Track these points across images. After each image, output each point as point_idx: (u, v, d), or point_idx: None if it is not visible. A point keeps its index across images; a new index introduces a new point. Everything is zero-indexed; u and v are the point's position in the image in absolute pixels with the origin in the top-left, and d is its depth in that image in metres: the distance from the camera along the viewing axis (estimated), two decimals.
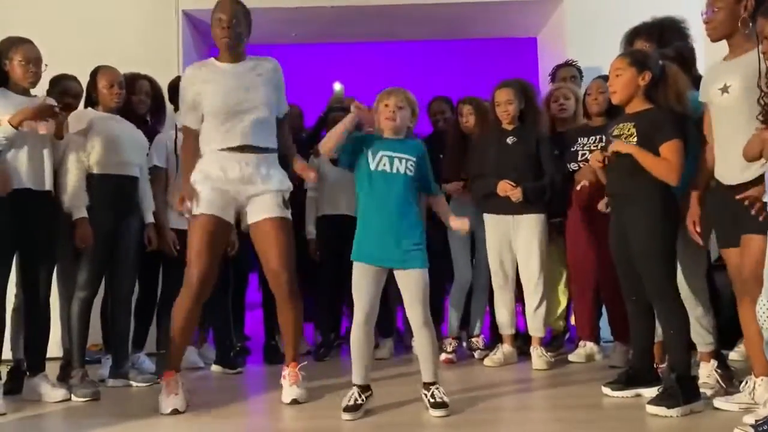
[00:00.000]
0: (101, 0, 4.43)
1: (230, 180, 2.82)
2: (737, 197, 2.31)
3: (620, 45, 3.24)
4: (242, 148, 2.83)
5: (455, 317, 3.82)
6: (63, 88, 3.40)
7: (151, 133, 3.58)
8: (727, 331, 2.94)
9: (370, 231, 2.65)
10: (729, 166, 2.42)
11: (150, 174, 3.47)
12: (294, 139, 4.32)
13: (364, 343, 2.65)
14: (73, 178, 3.11)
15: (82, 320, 3.15)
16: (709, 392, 2.65)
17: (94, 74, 3.29)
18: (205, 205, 2.79)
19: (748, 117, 2.30)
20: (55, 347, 3.30)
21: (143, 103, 3.62)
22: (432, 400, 2.60)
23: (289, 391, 2.88)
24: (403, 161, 2.64)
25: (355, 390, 2.64)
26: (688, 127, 2.67)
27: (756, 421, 2.16)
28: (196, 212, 2.79)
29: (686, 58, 2.91)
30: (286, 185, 2.95)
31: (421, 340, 2.68)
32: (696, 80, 2.72)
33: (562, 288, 3.90)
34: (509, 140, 3.54)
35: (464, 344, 3.93)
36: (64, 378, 3.17)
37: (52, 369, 3.18)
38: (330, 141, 2.65)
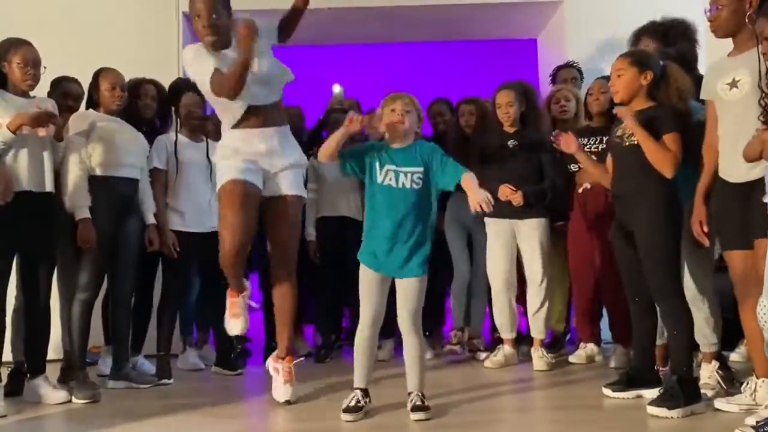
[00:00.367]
0: (102, 2, 4.43)
1: (259, 153, 2.83)
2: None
3: (627, 43, 3.25)
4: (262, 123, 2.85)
5: (458, 310, 3.82)
6: (64, 89, 3.40)
7: (155, 136, 3.58)
8: (728, 333, 2.93)
9: (374, 239, 2.64)
10: (736, 163, 2.39)
11: (150, 176, 3.47)
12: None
13: (368, 346, 2.65)
14: (74, 178, 3.11)
15: (82, 322, 3.15)
16: (709, 393, 2.65)
17: (96, 76, 3.29)
18: (236, 173, 2.78)
19: (758, 112, 2.28)
20: (55, 349, 3.30)
21: (149, 107, 3.62)
22: (411, 404, 2.59)
23: (283, 390, 2.85)
24: (409, 175, 2.61)
25: (357, 392, 2.64)
26: (690, 127, 2.67)
27: (757, 422, 2.16)
28: (225, 181, 2.78)
29: (688, 60, 2.92)
30: (304, 159, 3.04)
31: (407, 348, 2.66)
32: (697, 81, 2.71)
33: (562, 290, 3.90)
34: (511, 143, 3.54)
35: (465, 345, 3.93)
36: (64, 380, 3.17)
37: (53, 371, 3.18)
38: (326, 151, 2.65)
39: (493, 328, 3.86)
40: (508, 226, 3.54)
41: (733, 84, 2.43)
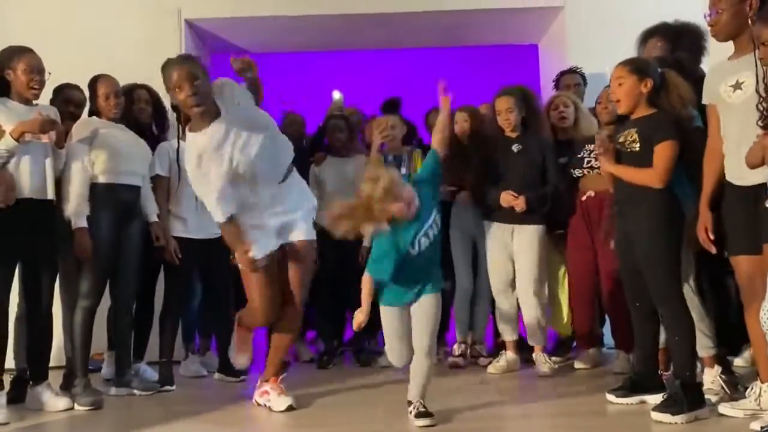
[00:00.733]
0: (105, 10, 4.45)
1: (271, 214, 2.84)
2: None
3: (635, 43, 3.25)
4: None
5: (462, 322, 3.80)
6: (66, 96, 3.41)
7: (156, 142, 3.59)
8: (733, 338, 2.92)
9: (396, 289, 2.60)
10: (742, 166, 2.36)
11: (152, 182, 3.47)
12: (295, 146, 4.36)
13: (416, 367, 2.61)
14: (76, 186, 3.11)
15: (85, 329, 3.14)
16: (713, 398, 2.63)
17: (93, 83, 3.30)
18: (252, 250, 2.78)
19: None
20: (58, 356, 3.30)
21: (144, 111, 3.62)
22: (415, 410, 2.56)
23: (280, 400, 2.87)
24: (424, 235, 2.55)
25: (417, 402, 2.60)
26: (691, 132, 2.67)
27: (762, 427, 2.15)
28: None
29: (684, 67, 2.92)
30: (312, 202, 2.99)
31: (416, 366, 2.61)
32: (699, 86, 2.72)
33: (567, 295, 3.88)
34: (515, 148, 3.54)
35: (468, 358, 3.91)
36: (67, 387, 3.17)
37: (56, 378, 3.18)
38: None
39: (496, 334, 3.85)
40: (507, 230, 3.54)
41: (737, 86, 2.42)
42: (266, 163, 2.74)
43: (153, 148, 3.49)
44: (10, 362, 3.04)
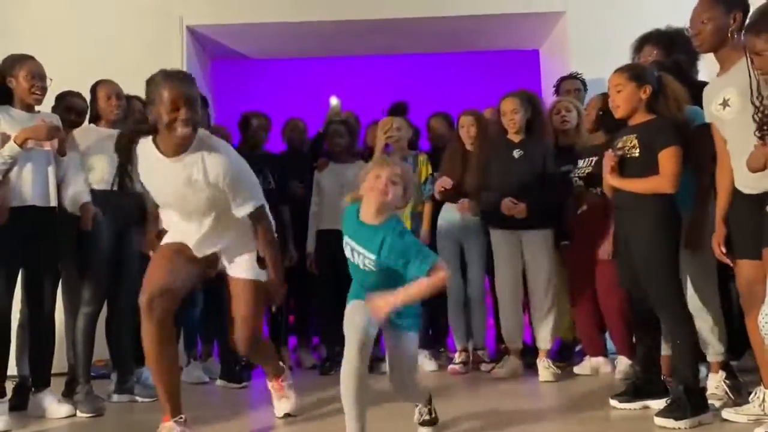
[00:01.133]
0: (106, 17, 4.47)
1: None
2: None
3: (630, 49, 3.26)
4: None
5: (459, 329, 3.79)
6: (67, 104, 3.42)
7: None
8: (736, 343, 2.92)
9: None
10: (746, 176, 2.38)
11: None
12: (296, 151, 4.39)
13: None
14: (73, 177, 3.12)
15: (87, 335, 3.15)
16: (717, 403, 2.63)
17: (94, 89, 3.32)
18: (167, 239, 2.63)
19: (753, 127, 2.29)
20: (60, 363, 3.30)
21: (138, 122, 3.63)
22: (421, 417, 2.53)
23: (279, 405, 2.88)
24: (361, 257, 2.28)
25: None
26: (689, 135, 2.68)
27: None
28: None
29: (682, 69, 2.93)
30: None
31: (399, 391, 2.46)
32: (693, 88, 2.74)
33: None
34: (516, 153, 3.53)
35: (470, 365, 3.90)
36: (69, 394, 3.17)
37: (58, 385, 3.18)
38: None
39: (499, 339, 3.84)
40: (513, 237, 3.53)
41: (725, 103, 2.44)
42: (214, 212, 2.51)
43: None
44: (12, 369, 3.04)
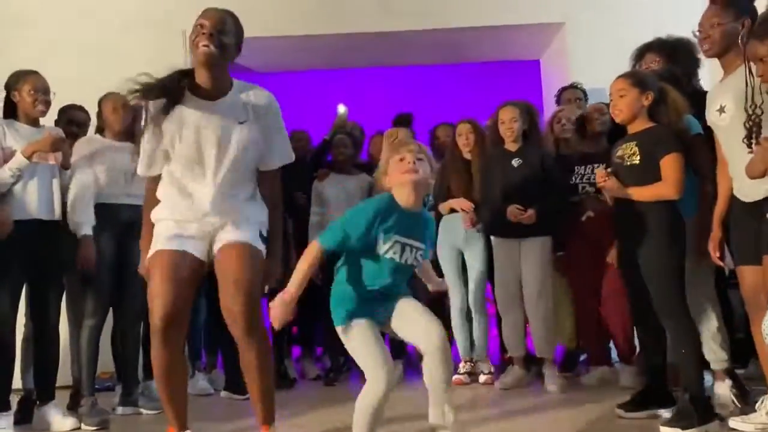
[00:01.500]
0: (111, 31, 4.51)
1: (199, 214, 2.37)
2: None
3: (630, 58, 3.28)
4: None
5: (463, 341, 3.78)
6: (69, 117, 3.46)
7: None
8: (742, 350, 2.91)
9: (360, 302, 2.19)
10: (744, 183, 2.39)
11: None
12: (300, 162, 4.39)
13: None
14: (75, 196, 3.13)
15: (90, 348, 3.15)
16: (724, 412, 2.61)
17: (100, 102, 3.35)
18: (161, 242, 2.34)
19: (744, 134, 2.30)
20: (64, 376, 3.30)
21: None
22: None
23: None
24: (414, 251, 2.19)
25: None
26: (687, 144, 2.69)
27: None
28: (149, 255, 2.35)
29: (679, 80, 2.95)
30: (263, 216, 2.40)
31: (433, 365, 2.19)
32: (693, 96, 2.77)
33: (571, 307, 3.86)
34: (515, 162, 3.54)
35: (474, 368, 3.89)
36: (73, 406, 3.17)
37: (63, 398, 3.18)
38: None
39: (503, 349, 3.83)
40: (513, 246, 3.53)
41: (721, 110, 2.46)
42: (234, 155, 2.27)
43: None
44: (17, 382, 3.05)
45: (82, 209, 3.14)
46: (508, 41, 5.05)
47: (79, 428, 2.99)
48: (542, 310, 3.49)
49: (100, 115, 3.35)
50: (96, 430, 2.97)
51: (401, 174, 2.17)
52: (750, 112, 2.24)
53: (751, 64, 2.25)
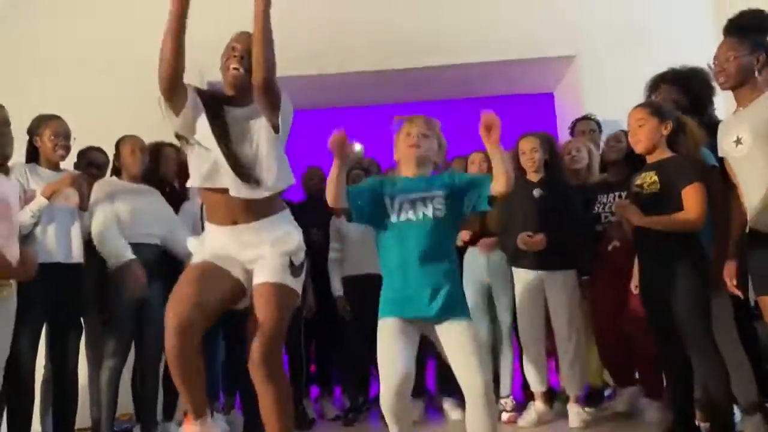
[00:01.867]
0: (129, 72, 4.61)
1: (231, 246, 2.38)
2: None
3: (644, 90, 3.29)
4: None
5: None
6: (89, 159, 3.53)
7: (177, 199, 3.65)
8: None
9: (397, 286, 2.26)
10: (758, 213, 2.38)
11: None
12: (315, 199, 4.42)
13: (402, 412, 2.18)
14: (100, 230, 3.16)
15: (110, 389, 3.15)
16: None
17: (118, 144, 3.41)
18: (199, 257, 2.36)
19: (762, 165, 2.30)
20: (84, 418, 3.29)
21: (170, 170, 3.70)
22: None
23: None
24: (429, 201, 2.23)
25: None
26: (708, 173, 2.68)
27: None
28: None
29: (685, 110, 2.95)
30: (295, 242, 2.38)
31: (475, 414, 2.13)
32: (708, 127, 2.76)
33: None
34: (536, 193, 3.53)
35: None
36: None
37: None
38: (329, 191, 2.25)
39: (525, 386, 3.76)
40: (536, 278, 3.48)
41: (738, 141, 2.46)
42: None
43: (172, 204, 3.54)
44: (36, 425, 3.04)
45: (112, 239, 3.16)
46: (521, 75, 5.08)
47: None
48: (574, 346, 3.42)
49: (117, 157, 3.41)
50: None
51: (405, 147, 2.28)
52: None
53: None
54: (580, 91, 4.69)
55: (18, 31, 4.74)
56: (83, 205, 3.12)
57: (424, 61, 4.74)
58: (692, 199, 2.58)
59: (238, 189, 2.24)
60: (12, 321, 2.65)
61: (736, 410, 2.68)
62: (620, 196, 3.35)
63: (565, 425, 3.36)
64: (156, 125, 4.15)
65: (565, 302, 3.43)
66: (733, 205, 2.58)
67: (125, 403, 3.55)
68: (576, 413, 3.35)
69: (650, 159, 2.75)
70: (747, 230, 2.49)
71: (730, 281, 2.54)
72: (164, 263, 3.38)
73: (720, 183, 2.68)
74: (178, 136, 2.39)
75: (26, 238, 2.95)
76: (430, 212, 2.24)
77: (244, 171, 2.24)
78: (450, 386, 3.70)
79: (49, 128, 3.08)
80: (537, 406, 3.49)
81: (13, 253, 2.51)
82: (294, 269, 2.28)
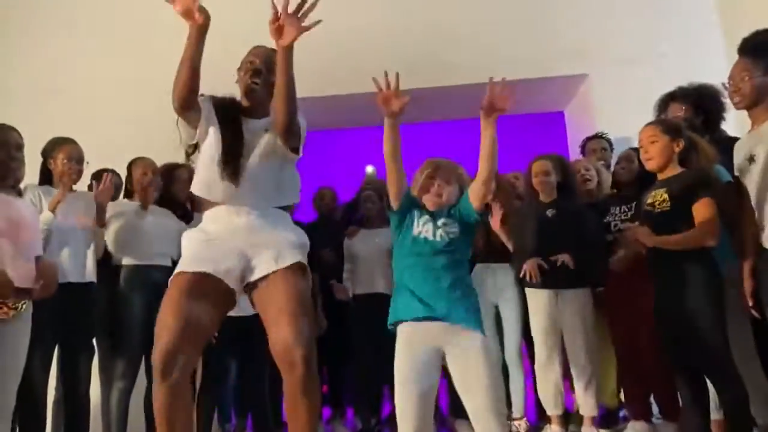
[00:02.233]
0: (142, 94, 4.68)
1: (233, 229, 2.31)
2: None
3: (654, 108, 3.28)
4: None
5: None
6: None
7: (189, 220, 3.67)
8: None
9: (410, 291, 2.30)
10: None
11: None
12: (326, 219, 4.43)
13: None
14: (115, 236, 3.24)
15: (120, 410, 3.15)
16: None
17: (130, 166, 3.44)
18: (185, 263, 2.27)
19: None
20: None
21: (182, 191, 3.73)
22: None
23: None
24: (443, 227, 2.36)
25: None
26: (721, 189, 2.66)
27: None
28: (172, 276, 2.26)
29: (695, 129, 2.94)
30: (303, 239, 2.37)
31: None
32: (719, 143, 2.76)
33: (614, 364, 3.74)
34: (549, 213, 3.52)
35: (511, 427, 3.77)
36: None
37: None
38: (385, 150, 2.47)
39: (539, 403, 3.71)
40: (550, 297, 3.45)
41: (751, 159, 2.45)
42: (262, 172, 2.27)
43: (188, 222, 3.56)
44: None
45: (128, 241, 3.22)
46: (532, 94, 5.08)
47: None
48: (590, 367, 3.38)
49: (129, 179, 3.44)
50: None
51: (426, 196, 2.43)
52: None
53: None
54: (591, 109, 4.69)
55: (31, 52, 4.83)
56: (100, 222, 3.15)
57: (435, 82, 4.76)
58: (704, 214, 2.56)
59: (235, 198, 2.24)
60: (25, 343, 2.65)
61: None
62: (630, 208, 3.33)
63: None
64: (168, 147, 4.23)
65: (579, 322, 3.39)
66: (747, 223, 2.55)
67: (140, 428, 3.54)
68: None
69: (661, 176, 2.74)
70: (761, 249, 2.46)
71: (749, 302, 2.50)
72: None
73: (735, 200, 2.65)
74: (188, 149, 2.43)
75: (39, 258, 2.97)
76: (441, 233, 2.37)
77: (236, 172, 2.22)
78: (463, 408, 3.68)
79: (62, 152, 3.13)
80: (552, 428, 3.44)
81: (21, 273, 2.53)
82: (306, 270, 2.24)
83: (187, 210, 3.79)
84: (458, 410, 3.62)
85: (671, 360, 2.72)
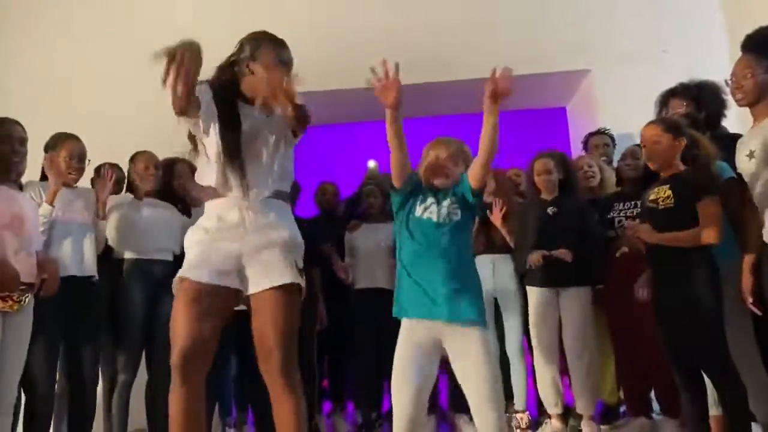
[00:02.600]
0: (143, 91, 4.65)
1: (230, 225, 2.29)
2: None
3: (655, 105, 3.28)
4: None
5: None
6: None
7: (191, 214, 3.67)
8: None
9: (415, 282, 2.30)
10: None
11: None
12: (327, 214, 4.43)
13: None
14: (116, 228, 3.25)
15: (121, 404, 3.17)
16: None
17: (132, 160, 3.45)
18: (186, 268, 2.28)
19: None
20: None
21: (183, 186, 3.73)
22: None
23: None
24: (448, 207, 2.37)
25: None
26: (724, 185, 2.66)
27: None
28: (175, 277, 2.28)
29: (699, 126, 2.94)
30: (297, 239, 2.34)
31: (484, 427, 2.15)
32: (719, 140, 2.76)
33: (613, 361, 3.75)
34: (550, 210, 3.52)
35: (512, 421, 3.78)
36: None
37: None
38: (390, 138, 2.49)
39: (540, 401, 3.72)
40: (550, 295, 3.46)
41: (750, 155, 2.46)
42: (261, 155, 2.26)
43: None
44: None
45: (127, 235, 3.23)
46: (534, 90, 5.08)
47: None
48: (584, 365, 3.38)
49: (131, 173, 3.45)
50: None
51: (434, 175, 2.42)
52: None
53: None
54: (593, 105, 4.69)
55: (29, 51, 4.83)
56: (102, 214, 3.15)
57: (437, 76, 4.76)
58: (708, 213, 2.56)
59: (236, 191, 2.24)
60: (27, 337, 2.66)
61: (755, 427, 2.63)
62: (637, 205, 3.33)
63: None
64: (169, 141, 4.23)
65: (578, 320, 3.40)
66: (749, 219, 2.55)
67: (140, 419, 3.56)
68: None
69: (664, 173, 2.74)
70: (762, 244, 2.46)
71: (748, 299, 2.50)
72: None
73: (738, 196, 2.65)
74: (191, 138, 2.42)
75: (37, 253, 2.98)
76: (443, 214, 2.37)
77: (237, 165, 2.23)
78: (463, 402, 3.69)
79: (64, 149, 3.12)
80: (553, 424, 3.45)
81: (24, 267, 2.53)
82: (300, 272, 2.24)
83: (187, 204, 3.79)
84: (458, 405, 3.64)
85: (670, 357, 2.72)
